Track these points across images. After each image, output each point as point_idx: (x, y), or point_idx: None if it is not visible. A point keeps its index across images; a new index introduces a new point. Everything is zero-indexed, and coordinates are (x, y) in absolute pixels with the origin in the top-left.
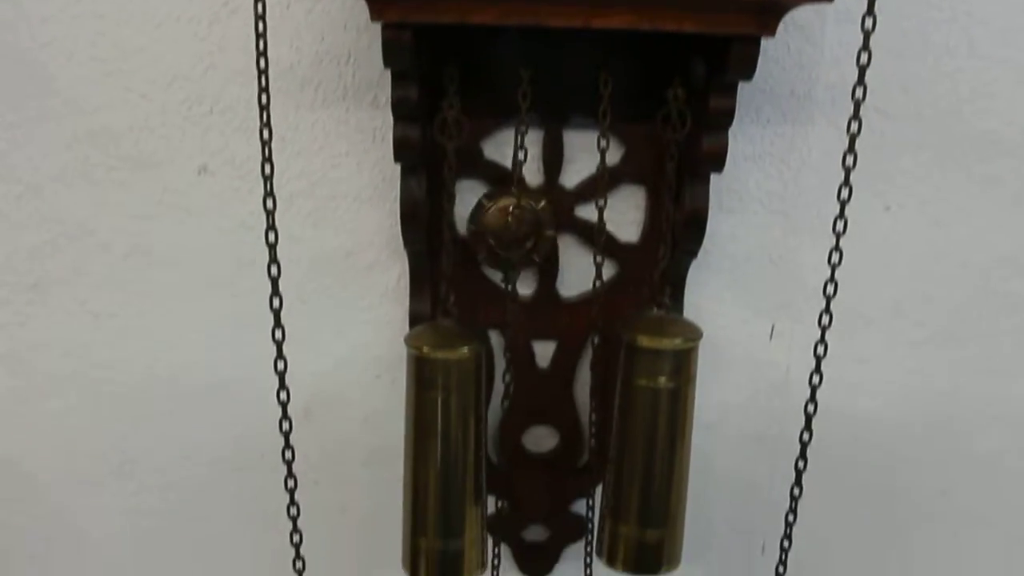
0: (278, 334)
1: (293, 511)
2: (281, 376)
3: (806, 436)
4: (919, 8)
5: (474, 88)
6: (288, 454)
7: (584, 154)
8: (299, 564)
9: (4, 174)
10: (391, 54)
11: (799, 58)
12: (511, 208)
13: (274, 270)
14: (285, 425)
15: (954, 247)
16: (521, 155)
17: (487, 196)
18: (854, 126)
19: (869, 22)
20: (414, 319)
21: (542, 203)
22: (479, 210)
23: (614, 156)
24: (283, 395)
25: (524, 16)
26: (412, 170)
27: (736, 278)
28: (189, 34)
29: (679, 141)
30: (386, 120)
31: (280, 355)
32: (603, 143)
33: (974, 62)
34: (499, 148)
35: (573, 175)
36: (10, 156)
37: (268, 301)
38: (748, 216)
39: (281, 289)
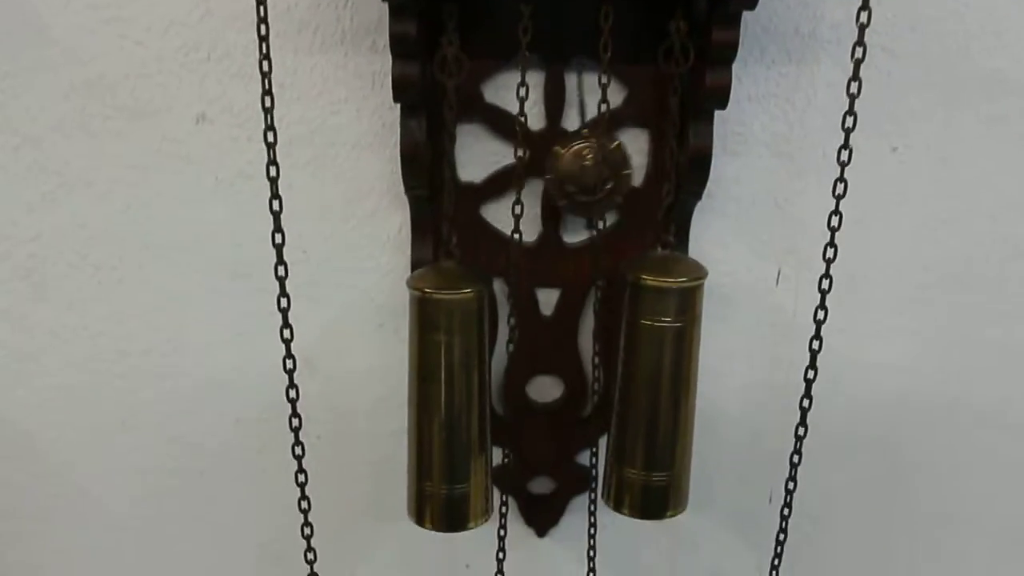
0: (283, 302)
1: (301, 478)
2: (287, 343)
3: (811, 374)
4: None
5: (474, 28)
6: (295, 422)
7: (586, 96)
8: (307, 530)
9: (2, 124)
10: None
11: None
12: (585, 152)
13: (281, 270)
14: (292, 393)
15: (961, 188)
16: (523, 92)
17: (560, 144)
18: (858, 52)
19: None
20: (416, 266)
21: (616, 143)
22: (553, 158)
23: (616, 99)
24: (288, 363)
25: None
26: (412, 111)
27: (741, 222)
28: None
29: (682, 76)
30: (385, 65)
31: (286, 323)
32: (604, 79)
33: None
34: (499, 92)
35: (575, 118)
36: (7, 107)
37: (275, 251)
38: (753, 159)
39: (288, 232)
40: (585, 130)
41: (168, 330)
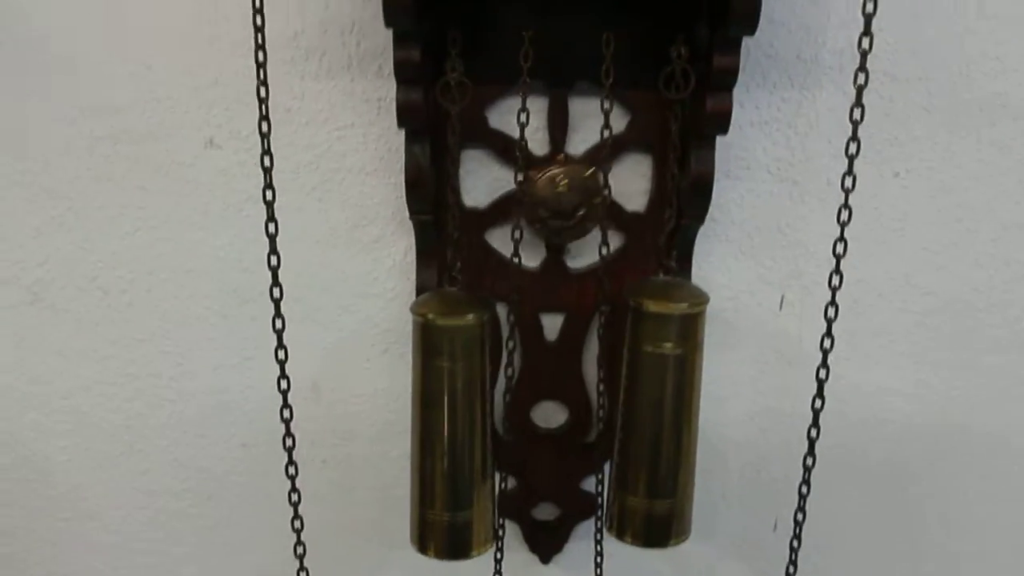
0: (278, 323)
1: (295, 497)
2: (281, 364)
3: (818, 403)
4: None
5: (478, 54)
6: (288, 441)
7: (590, 121)
8: (299, 549)
9: (11, 148)
10: (392, 13)
11: (805, 21)
12: (559, 178)
13: (276, 292)
14: (286, 413)
15: (964, 213)
16: (524, 118)
17: (533, 168)
18: (861, 78)
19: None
20: (421, 291)
21: (590, 170)
22: (527, 182)
23: (619, 124)
24: (283, 383)
25: None
26: (416, 136)
27: (745, 247)
28: (193, 5)
29: (683, 102)
30: (391, 91)
31: (280, 344)
32: (607, 104)
33: (983, 23)
34: (503, 117)
35: (579, 143)
36: (16, 130)
37: (270, 274)
38: (756, 184)
39: (287, 263)
40: (561, 155)
41: (176, 354)
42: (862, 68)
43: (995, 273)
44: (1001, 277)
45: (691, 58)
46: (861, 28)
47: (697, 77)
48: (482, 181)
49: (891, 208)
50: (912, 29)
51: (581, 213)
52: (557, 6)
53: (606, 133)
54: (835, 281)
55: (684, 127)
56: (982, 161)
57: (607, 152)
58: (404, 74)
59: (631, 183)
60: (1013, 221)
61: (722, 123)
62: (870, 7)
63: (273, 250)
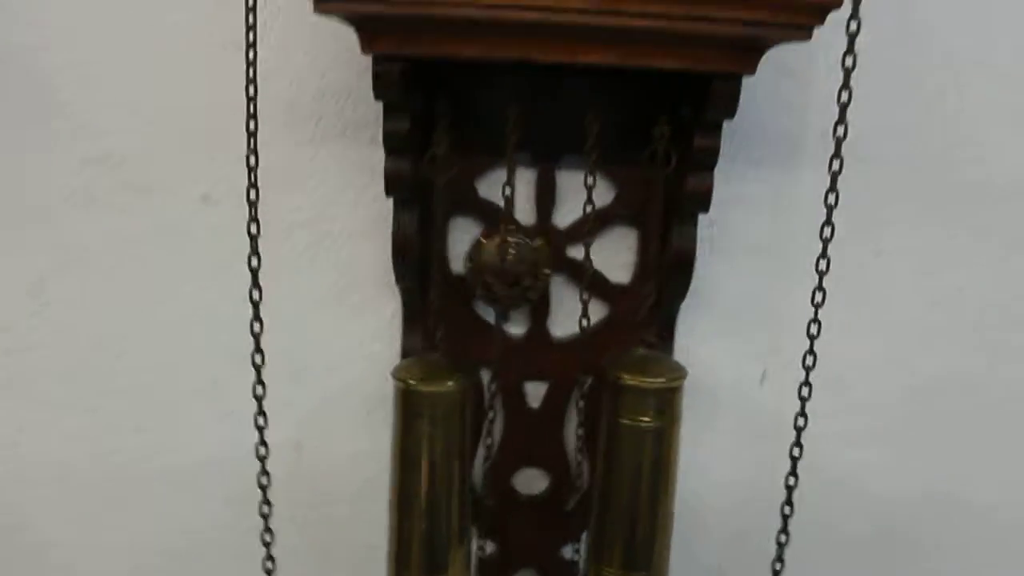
0: (259, 390)
1: (270, 564)
2: (260, 431)
3: (792, 481)
4: (909, 54)
5: (468, 126)
6: (265, 508)
7: (577, 194)
8: None
9: (11, 198)
10: (381, 86)
11: (790, 101)
12: (507, 246)
13: (258, 359)
14: (264, 480)
15: (945, 294)
16: (509, 191)
17: (484, 234)
18: (836, 164)
19: (850, 60)
20: (407, 355)
21: (538, 241)
22: (476, 247)
23: (606, 197)
24: (262, 449)
25: (511, 50)
26: (404, 205)
27: (727, 322)
28: (195, 65)
29: (665, 179)
30: (383, 158)
31: (260, 411)
32: (590, 180)
33: (965, 109)
34: (493, 187)
35: (566, 215)
36: (17, 180)
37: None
38: (739, 259)
39: (276, 324)
40: (512, 226)
41: (163, 408)
42: (836, 155)
43: (977, 354)
44: (983, 357)
45: (673, 137)
46: (848, 95)
47: (679, 156)
48: (461, 243)
49: (872, 287)
50: (895, 112)
51: (525, 284)
52: (542, 85)
53: (588, 208)
54: (808, 361)
55: (666, 203)
56: (963, 243)
57: (590, 226)
58: (393, 145)
59: (616, 255)
60: (993, 302)
61: (703, 201)
62: (845, 96)
63: (256, 316)
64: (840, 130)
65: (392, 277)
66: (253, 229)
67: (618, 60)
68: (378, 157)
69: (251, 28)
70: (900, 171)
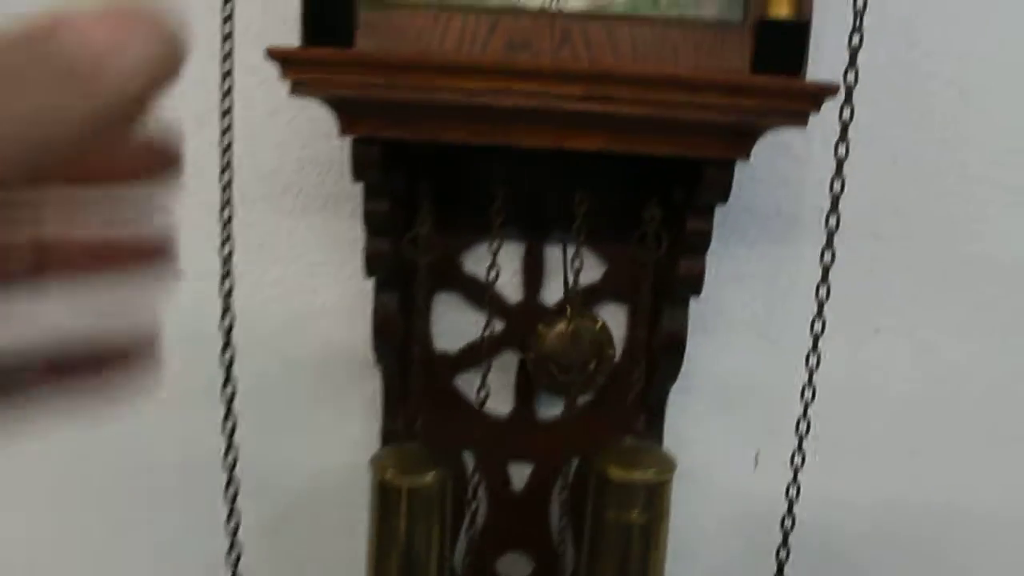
0: (231, 491)
1: None
2: (234, 564)
3: (783, 554)
4: (909, 129)
5: (452, 203)
6: None
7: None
8: None
9: None
10: (360, 168)
11: (785, 178)
12: (571, 331)
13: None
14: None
15: (946, 372)
16: (494, 274)
17: (544, 323)
18: (827, 256)
19: (842, 149)
20: (387, 437)
21: (600, 323)
22: (537, 338)
23: (594, 274)
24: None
25: (496, 136)
26: (386, 285)
27: (719, 403)
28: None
29: (657, 260)
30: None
31: (231, 515)
32: (576, 263)
33: (965, 185)
34: (478, 262)
35: (554, 291)
36: None
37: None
38: (732, 339)
39: (252, 400)
40: (569, 308)
41: (135, 497)
42: (828, 246)
43: (977, 435)
44: (983, 439)
45: (664, 219)
46: (841, 185)
47: (670, 238)
48: (454, 325)
49: (871, 364)
50: (895, 189)
51: (592, 367)
52: (529, 163)
53: (571, 281)
54: (797, 461)
55: (657, 284)
56: (963, 320)
57: (576, 307)
58: (373, 225)
59: None
60: (994, 381)
61: (695, 285)
62: (837, 186)
63: (227, 414)
64: (832, 220)
65: (372, 356)
66: (228, 353)
67: (608, 146)
68: (359, 231)
69: (226, 94)
70: (899, 246)
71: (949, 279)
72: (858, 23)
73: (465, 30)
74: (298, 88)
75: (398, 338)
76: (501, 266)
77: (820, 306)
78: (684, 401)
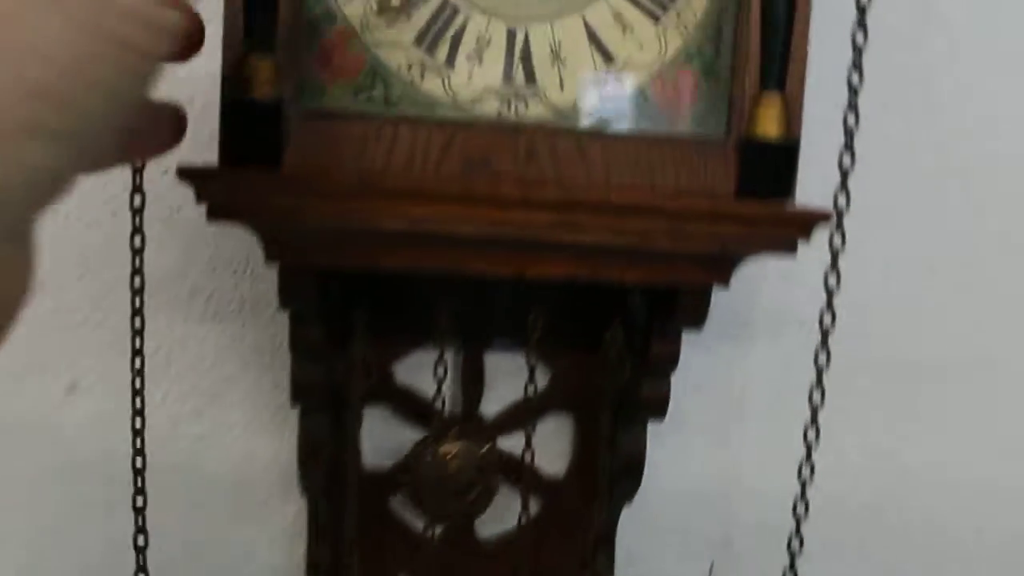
0: None
1: None
2: None
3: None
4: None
5: (386, 309)
6: None
7: (508, 378)
8: None
9: None
10: (289, 298)
11: (739, 278)
12: (451, 456)
13: (140, 539)
14: None
15: (902, 478)
16: (441, 404)
17: (421, 442)
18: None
19: (833, 279)
20: (312, 567)
21: (485, 447)
22: (414, 459)
23: (539, 381)
24: None
25: (445, 261)
26: (312, 411)
27: (673, 513)
28: (65, 235)
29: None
30: (287, 337)
31: None
32: (531, 389)
33: (926, 290)
34: (411, 372)
35: (494, 401)
36: None
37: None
38: (687, 447)
39: (163, 526)
40: (454, 429)
41: None
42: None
43: (942, 536)
44: (947, 539)
45: (627, 338)
46: (796, 284)
47: (631, 354)
48: (386, 442)
49: (832, 473)
50: (850, 290)
51: (471, 497)
52: (478, 284)
53: (529, 391)
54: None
55: (612, 400)
56: (922, 427)
57: (529, 435)
58: (302, 352)
59: (550, 445)
60: (964, 480)
61: (659, 409)
62: (828, 320)
63: (140, 528)
64: (822, 358)
65: (295, 474)
66: (138, 423)
67: (574, 274)
68: (281, 337)
69: (137, 189)
70: (856, 350)
71: (905, 383)
72: (849, 141)
73: (416, 146)
74: (216, 213)
75: (326, 461)
76: (444, 404)
77: (814, 412)
78: (635, 512)
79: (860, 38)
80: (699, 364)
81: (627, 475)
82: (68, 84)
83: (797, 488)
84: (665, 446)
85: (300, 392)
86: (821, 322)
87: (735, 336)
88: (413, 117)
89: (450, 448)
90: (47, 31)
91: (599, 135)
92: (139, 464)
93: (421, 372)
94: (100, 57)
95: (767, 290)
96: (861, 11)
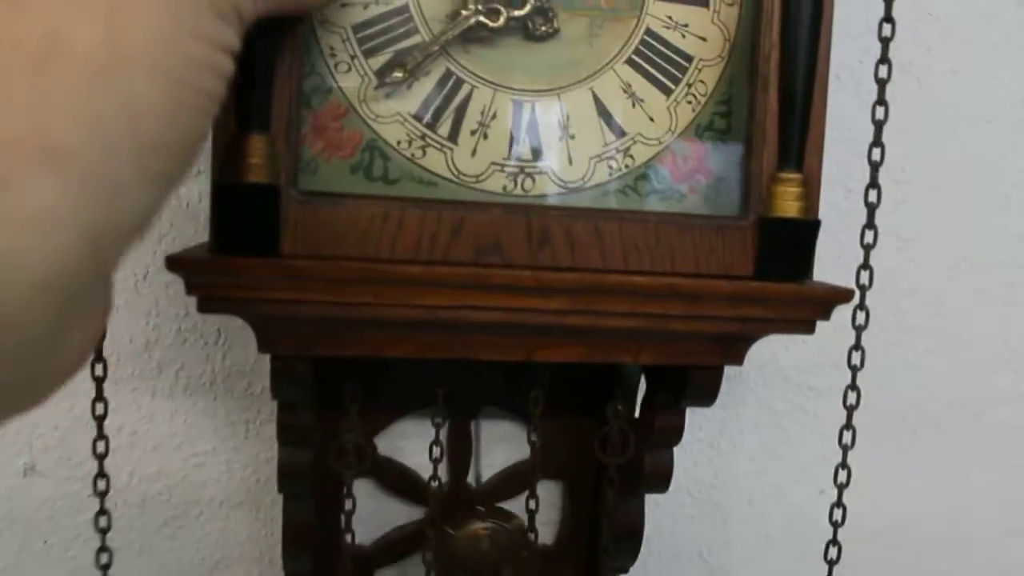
0: None
1: None
2: None
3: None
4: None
5: (371, 382)
6: None
7: (496, 446)
8: None
9: None
10: (282, 387)
11: None
12: (482, 532)
13: None
14: None
15: (889, 526)
16: (437, 484)
17: (451, 524)
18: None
19: (856, 357)
20: None
21: (513, 520)
22: (445, 540)
23: (526, 448)
24: None
25: (452, 350)
26: (298, 496)
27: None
28: None
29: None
30: (262, 410)
31: None
32: (534, 491)
33: (903, 334)
34: (395, 442)
35: (483, 468)
36: None
37: None
38: (676, 507)
39: None
40: (481, 507)
41: None
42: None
43: None
44: None
45: (626, 409)
46: (785, 343)
47: (636, 433)
48: (369, 516)
49: (816, 526)
50: (833, 343)
51: (508, 573)
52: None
53: (525, 464)
54: None
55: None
56: (905, 471)
57: (531, 525)
58: (290, 441)
59: (539, 513)
60: (938, 532)
61: (661, 484)
62: (852, 398)
63: None
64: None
65: (273, 553)
66: (103, 523)
67: (586, 358)
68: (255, 411)
69: None
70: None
71: (888, 430)
72: (871, 220)
73: (423, 231)
74: (208, 305)
75: (312, 543)
76: (418, 445)
77: (844, 453)
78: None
79: (880, 112)
80: (687, 423)
81: (624, 548)
82: (169, 133)
83: (790, 542)
84: (654, 506)
85: (288, 479)
86: (845, 397)
87: (725, 395)
88: (418, 198)
89: (478, 527)
90: (140, 91)
91: (615, 216)
92: (104, 559)
93: (405, 442)
94: (185, 103)
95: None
96: (881, 86)
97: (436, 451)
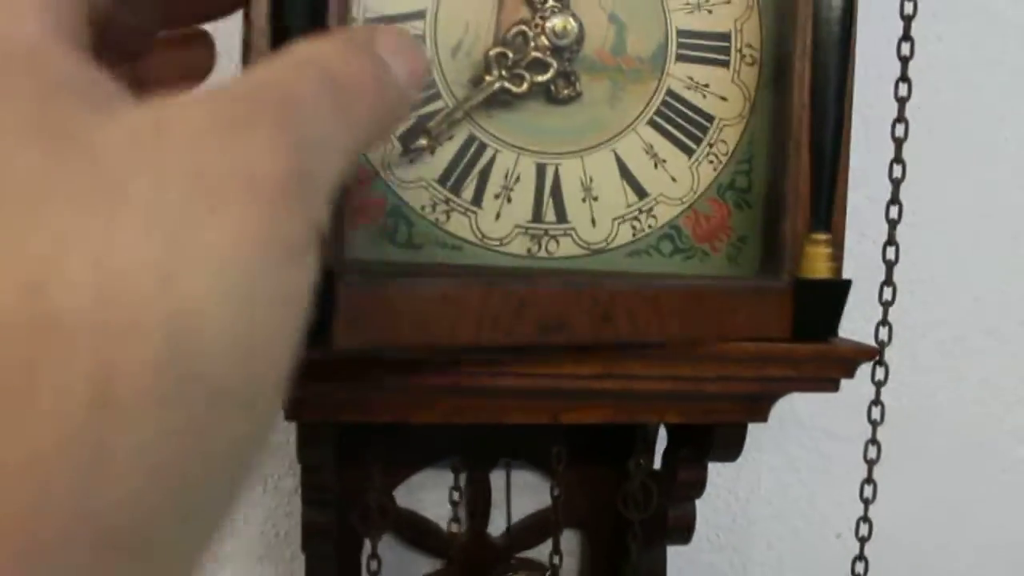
0: None
1: None
2: None
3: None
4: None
5: (391, 437)
6: None
7: (514, 496)
8: None
9: None
10: (308, 451)
11: None
12: None
13: None
14: None
15: (908, 572)
16: (455, 525)
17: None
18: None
19: (876, 412)
20: None
21: (536, 572)
22: None
23: (544, 497)
24: None
25: (479, 414)
26: (321, 556)
27: None
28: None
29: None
30: (280, 466)
31: None
32: (557, 547)
33: (911, 374)
34: (414, 494)
35: (499, 518)
36: None
37: None
38: (695, 554)
39: None
40: (514, 560)
41: None
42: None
43: None
44: None
45: (648, 464)
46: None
47: (659, 487)
48: (388, 569)
49: (833, 569)
50: (848, 387)
51: None
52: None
53: (549, 518)
54: None
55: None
56: (928, 510)
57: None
58: (314, 502)
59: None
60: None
61: (684, 536)
62: (872, 452)
63: None
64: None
65: None
66: None
67: (613, 419)
68: (273, 466)
69: None
70: (856, 447)
71: (902, 475)
72: (889, 277)
73: (484, 313)
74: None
75: None
76: (438, 496)
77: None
78: None
79: (898, 171)
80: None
81: None
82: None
83: None
84: (673, 553)
85: (312, 539)
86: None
87: None
88: (482, 272)
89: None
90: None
91: (666, 284)
92: None
93: (424, 494)
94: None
95: None
96: (898, 145)
97: (455, 495)
